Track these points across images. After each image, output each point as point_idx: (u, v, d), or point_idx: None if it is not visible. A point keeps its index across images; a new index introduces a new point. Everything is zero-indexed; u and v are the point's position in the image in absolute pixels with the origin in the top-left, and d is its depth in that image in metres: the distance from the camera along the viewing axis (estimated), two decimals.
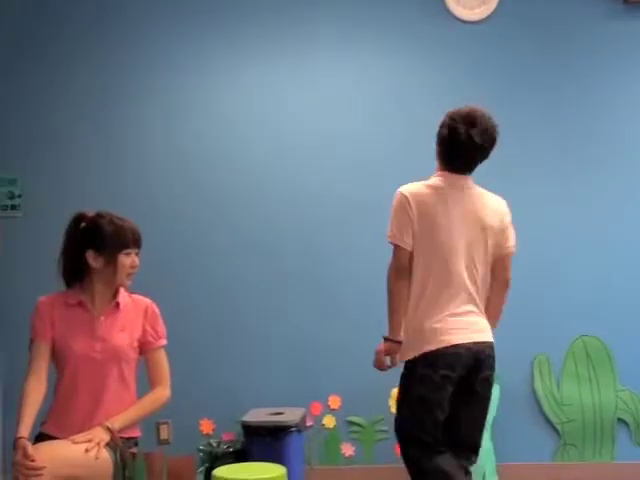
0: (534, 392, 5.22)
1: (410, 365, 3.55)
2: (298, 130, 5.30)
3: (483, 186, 3.65)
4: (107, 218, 3.21)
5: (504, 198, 3.70)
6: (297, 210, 5.28)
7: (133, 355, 3.25)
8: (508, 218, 3.65)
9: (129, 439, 3.19)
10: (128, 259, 3.21)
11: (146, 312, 3.30)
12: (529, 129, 5.25)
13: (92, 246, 3.17)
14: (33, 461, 2.83)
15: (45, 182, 5.23)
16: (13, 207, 5.22)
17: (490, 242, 3.55)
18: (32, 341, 3.19)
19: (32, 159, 5.24)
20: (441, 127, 3.56)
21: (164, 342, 3.33)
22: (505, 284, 3.68)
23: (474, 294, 3.54)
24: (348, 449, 5.23)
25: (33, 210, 5.13)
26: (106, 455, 2.96)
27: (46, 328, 3.17)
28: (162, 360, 3.32)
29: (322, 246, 5.27)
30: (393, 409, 5.05)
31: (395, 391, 5.01)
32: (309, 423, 5.09)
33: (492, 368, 3.57)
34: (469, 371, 3.47)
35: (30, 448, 2.87)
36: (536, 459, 5.18)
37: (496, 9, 5.27)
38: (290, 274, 5.26)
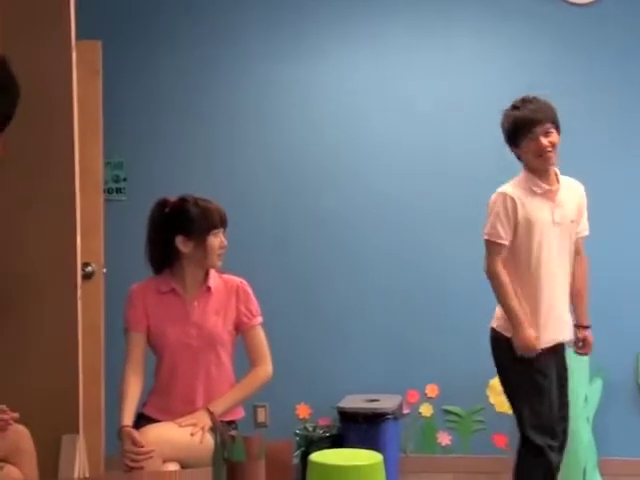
0: (638, 386, 5.07)
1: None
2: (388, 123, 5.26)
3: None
4: (191, 201, 3.20)
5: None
6: (389, 201, 5.25)
7: (228, 338, 3.24)
8: None
9: (230, 422, 3.24)
10: (217, 239, 3.19)
11: (237, 292, 3.26)
12: None
13: (180, 231, 3.16)
14: (142, 447, 2.88)
15: (150, 167, 5.33)
16: (118, 190, 5.32)
17: None
18: (127, 331, 3.22)
19: (138, 144, 5.35)
20: None
21: (259, 320, 3.30)
22: None
23: None
24: (444, 438, 5.19)
25: (138, 194, 5.22)
26: (210, 440, 2.99)
27: (140, 317, 3.20)
28: (259, 338, 3.29)
29: (423, 231, 5.22)
30: (491, 399, 5.02)
31: (493, 381, 4.98)
32: (405, 411, 5.06)
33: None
34: None
35: (137, 434, 2.93)
36: (639, 454, 5.04)
37: None
38: (391, 259, 5.23)
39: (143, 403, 3.24)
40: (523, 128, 3.54)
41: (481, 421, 5.13)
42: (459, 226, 5.09)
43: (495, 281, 3.60)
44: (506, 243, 3.61)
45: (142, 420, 3.16)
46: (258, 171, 5.33)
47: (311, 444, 4.78)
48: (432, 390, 5.19)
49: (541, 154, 3.54)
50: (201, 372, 3.18)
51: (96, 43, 4.25)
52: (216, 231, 3.20)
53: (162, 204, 3.26)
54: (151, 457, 2.86)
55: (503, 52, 5.20)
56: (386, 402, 4.85)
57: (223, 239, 3.24)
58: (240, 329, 3.27)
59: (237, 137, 5.36)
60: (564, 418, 3.69)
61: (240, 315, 3.25)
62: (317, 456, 2.78)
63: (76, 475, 3.03)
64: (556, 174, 3.66)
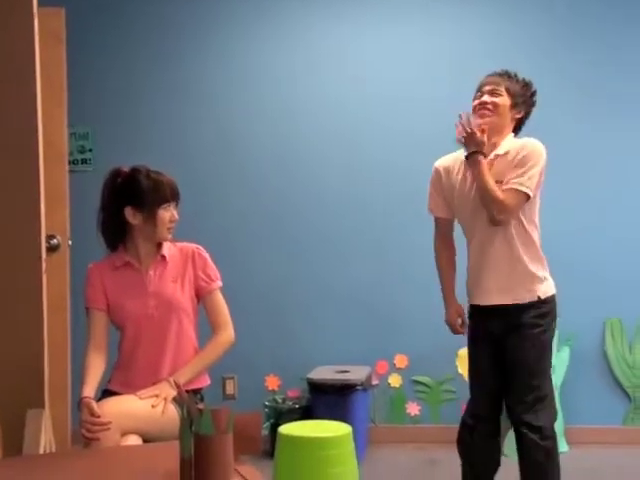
0: (605, 355, 5.12)
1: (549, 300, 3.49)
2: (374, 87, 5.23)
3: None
4: (143, 172, 3.15)
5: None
6: (372, 169, 5.23)
7: (189, 305, 3.21)
8: None
9: (196, 391, 3.23)
10: (167, 213, 3.14)
11: (194, 258, 3.22)
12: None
13: (130, 202, 3.12)
14: (99, 417, 2.85)
15: (116, 137, 5.26)
16: (84, 161, 5.25)
17: None
18: (87, 309, 3.20)
19: (104, 114, 5.28)
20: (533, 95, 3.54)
21: (218, 284, 3.25)
22: None
23: None
24: (414, 408, 5.21)
25: (104, 165, 5.11)
26: (173, 410, 2.97)
27: (99, 295, 3.17)
28: (219, 303, 3.25)
29: (394, 205, 5.20)
30: (460, 369, 5.04)
31: (462, 351, 4.98)
32: (375, 381, 5.08)
33: None
34: None
35: (95, 405, 2.90)
36: (606, 422, 5.09)
37: None
38: (361, 232, 5.22)
39: (108, 380, 3.22)
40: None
41: (450, 391, 5.15)
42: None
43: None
44: (439, 215, 3.61)
45: (107, 395, 3.14)
46: (228, 139, 5.28)
47: (280, 416, 4.78)
48: (401, 361, 5.20)
49: (474, 110, 3.48)
50: (163, 342, 3.15)
51: (59, 10, 4.15)
52: (166, 205, 3.14)
53: (115, 174, 3.20)
54: (108, 429, 2.83)
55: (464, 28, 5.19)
56: (355, 373, 4.86)
57: (174, 213, 3.18)
58: (199, 295, 3.23)
59: (206, 106, 5.30)
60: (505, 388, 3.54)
61: (198, 280, 3.21)
62: (286, 428, 2.77)
63: (41, 450, 2.99)
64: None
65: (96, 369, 3.09)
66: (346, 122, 5.24)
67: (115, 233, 3.22)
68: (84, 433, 2.86)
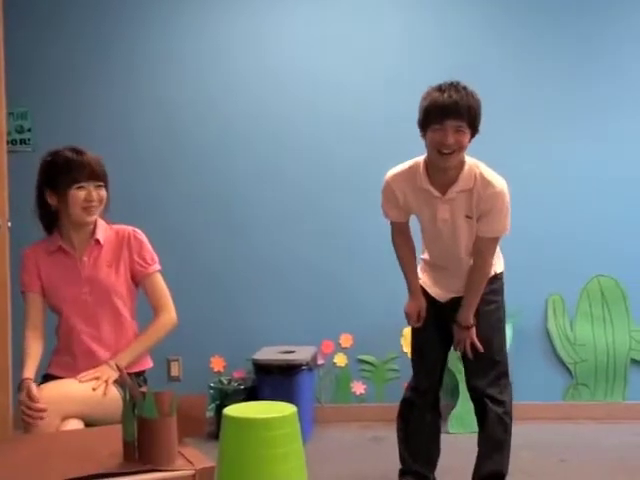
0: (547, 332, 5.19)
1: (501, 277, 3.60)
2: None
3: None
4: (62, 154, 3.07)
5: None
6: (318, 141, 5.21)
7: (125, 289, 3.16)
8: None
9: (139, 374, 3.20)
10: (81, 193, 3.05)
11: (129, 241, 3.17)
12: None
13: (47, 184, 3.09)
14: (37, 402, 2.81)
15: (56, 116, 5.16)
16: (23, 142, 5.15)
17: None
18: (23, 293, 3.16)
19: (43, 93, 5.17)
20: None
21: (156, 267, 3.21)
22: None
23: None
24: (359, 387, 5.23)
25: (43, 145, 5.03)
26: (115, 392, 2.94)
27: (33, 280, 3.13)
28: (158, 285, 3.20)
29: (340, 182, 5.20)
30: (405, 348, 5.07)
31: (407, 330, 5.02)
32: (320, 361, 5.09)
33: None
34: None
35: (34, 389, 2.85)
36: (547, 398, 5.17)
37: None
38: (304, 210, 5.21)
39: (48, 363, 3.17)
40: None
41: (395, 370, 5.18)
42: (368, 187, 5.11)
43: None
44: (395, 220, 3.60)
45: (48, 379, 3.10)
46: (171, 119, 5.22)
47: (226, 397, 4.77)
48: (346, 340, 5.22)
49: (434, 144, 3.24)
50: (99, 326, 3.12)
51: None
52: (79, 185, 3.05)
53: (46, 156, 3.15)
54: (42, 417, 2.78)
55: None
56: (301, 353, 4.86)
57: (92, 193, 3.07)
58: (136, 278, 3.19)
59: (148, 86, 5.22)
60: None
61: (134, 264, 3.17)
62: (231, 410, 2.77)
63: None
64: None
65: (35, 352, 3.05)
66: (289, 100, 5.21)
67: (46, 217, 3.17)
68: (22, 417, 2.82)
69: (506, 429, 3.54)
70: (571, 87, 5.16)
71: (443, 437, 3.73)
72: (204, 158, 5.22)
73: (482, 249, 3.40)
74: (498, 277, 3.56)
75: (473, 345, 3.48)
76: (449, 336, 3.58)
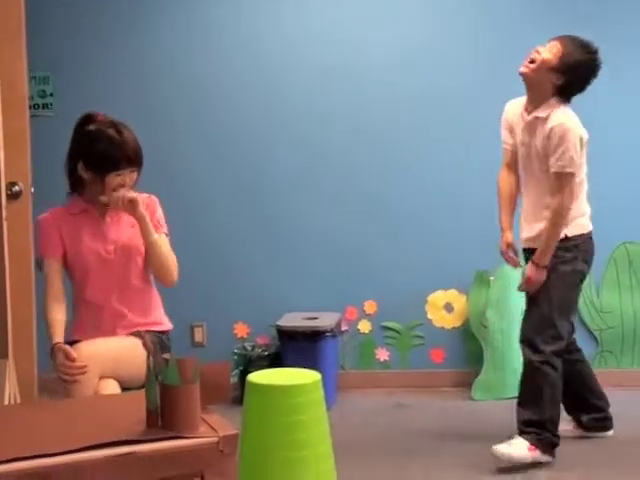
0: None
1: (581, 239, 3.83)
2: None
3: None
4: (105, 133, 3.07)
5: None
6: (338, 110, 5.16)
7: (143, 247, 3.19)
8: None
9: (163, 332, 3.24)
10: (118, 179, 3.08)
11: (147, 204, 3.19)
12: None
13: (83, 158, 3.09)
14: (74, 361, 2.81)
15: (78, 81, 5.13)
16: (45, 106, 5.13)
17: None
18: (42, 259, 3.16)
19: (65, 57, 5.13)
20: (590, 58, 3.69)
21: (165, 230, 3.24)
22: None
23: None
24: (383, 354, 5.21)
25: (66, 110, 5.03)
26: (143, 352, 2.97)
27: (54, 244, 3.13)
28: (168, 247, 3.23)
29: (356, 151, 5.15)
30: (429, 314, 5.05)
31: (431, 297, 5.00)
32: (344, 328, 5.07)
33: None
34: None
35: (70, 349, 2.87)
36: None
37: None
38: (328, 176, 5.16)
39: (72, 330, 3.17)
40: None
41: (419, 336, 5.16)
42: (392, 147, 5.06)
43: None
44: (503, 138, 3.96)
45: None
46: (199, 81, 5.17)
47: (249, 363, 4.77)
48: (370, 306, 5.19)
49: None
50: (125, 285, 3.15)
51: None
52: (119, 172, 3.07)
53: (85, 121, 3.15)
54: (85, 372, 2.81)
55: None
56: (325, 320, 4.84)
57: (125, 179, 3.09)
58: None
59: (174, 48, 5.17)
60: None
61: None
62: (255, 376, 2.75)
63: (6, 401, 2.95)
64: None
65: (60, 318, 3.05)
66: (310, 70, 5.15)
67: (75, 180, 3.18)
68: (62, 377, 2.83)
69: (546, 378, 3.67)
70: None
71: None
72: (220, 126, 5.17)
73: (553, 186, 3.64)
74: (579, 239, 3.76)
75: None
76: None
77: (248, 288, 5.18)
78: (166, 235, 3.24)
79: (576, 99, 3.72)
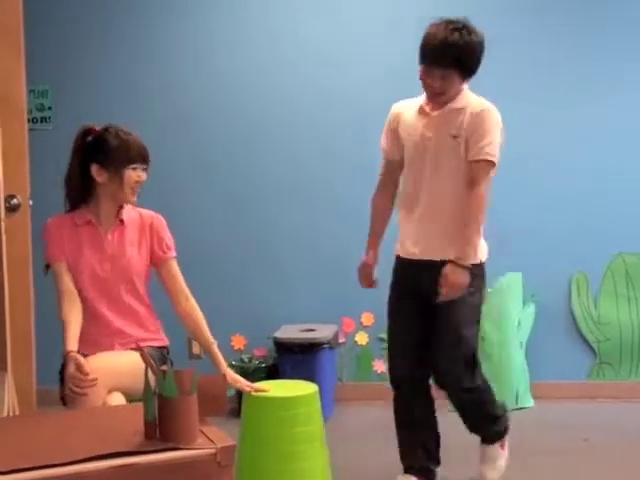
0: (571, 311, 5.15)
1: (483, 267, 3.49)
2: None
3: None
4: (113, 132, 3.14)
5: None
6: (330, 122, 5.18)
7: (144, 269, 3.21)
8: None
9: (162, 348, 3.27)
10: (134, 174, 3.13)
11: (152, 225, 3.22)
12: None
13: (97, 159, 3.11)
14: (87, 375, 2.82)
15: (76, 95, 5.15)
16: (43, 120, 5.15)
17: None
18: (50, 264, 3.16)
19: (64, 71, 5.16)
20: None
21: (174, 254, 3.25)
22: None
23: None
24: (380, 366, 5.22)
25: (64, 123, 5.05)
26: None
27: (60, 248, 3.14)
28: (177, 271, 3.25)
29: (360, 160, 5.17)
30: None
31: None
32: (341, 340, 5.08)
33: None
34: None
35: (82, 360, 2.87)
36: (571, 378, 5.13)
37: None
38: (323, 187, 5.18)
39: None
40: None
41: None
42: None
43: None
44: (383, 147, 3.67)
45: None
46: (190, 95, 5.20)
47: (247, 375, 4.75)
48: (368, 318, 5.20)
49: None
50: (119, 302, 3.16)
51: None
52: (134, 165, 3.13)
53: (85, 132, 3.19)
54: (95, 384, 2.81)
55: None
56: (322, 331, 4.85)
57: (141, 175, 3.16)
58: (155, 262, 3.23)
59: (167, 64, 5.20)
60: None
61: (154, 248, 3.21)
62: None
63: (5, 413, 2.95)
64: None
65: (76, 321, 3.04)
66: (296, 83, 5.19)
67: (80, 190, 3.18)
68: (72, 388, 2.82)
69: (482, 404, 3.52)
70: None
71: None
72: (222, 119, 5.20)
73: (473, 177, 3.31)
74: (480, 265, 3.43)
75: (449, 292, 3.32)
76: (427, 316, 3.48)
77: (245, 300, 5.19)
78: (175, 258, 3.25)
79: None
